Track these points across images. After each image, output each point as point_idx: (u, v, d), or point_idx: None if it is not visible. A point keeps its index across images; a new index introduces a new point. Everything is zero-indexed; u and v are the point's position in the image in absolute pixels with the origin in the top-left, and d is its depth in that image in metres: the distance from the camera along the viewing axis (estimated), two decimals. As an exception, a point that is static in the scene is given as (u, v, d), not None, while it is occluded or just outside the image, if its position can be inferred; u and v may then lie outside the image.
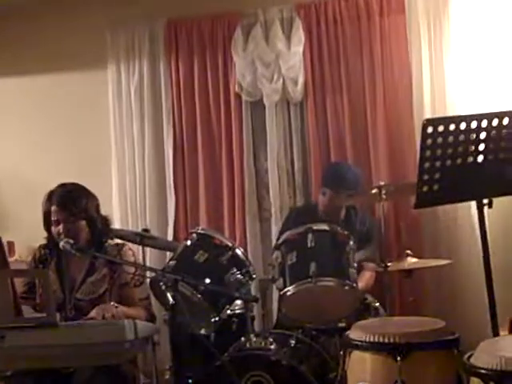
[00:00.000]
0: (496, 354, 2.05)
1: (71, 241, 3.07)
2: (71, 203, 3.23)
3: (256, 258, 4.42)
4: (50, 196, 3.28)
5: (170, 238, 4.66)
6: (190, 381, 3.30)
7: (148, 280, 3.21)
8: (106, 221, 3.38)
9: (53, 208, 3.24)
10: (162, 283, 2.81)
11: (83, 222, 3.26)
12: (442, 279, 4.22)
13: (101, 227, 3.33)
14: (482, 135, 2.79)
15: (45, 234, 3.35)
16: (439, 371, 2.47)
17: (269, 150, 4.66)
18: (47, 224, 3.29)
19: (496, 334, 2.72)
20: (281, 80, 4.58)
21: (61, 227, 3.21)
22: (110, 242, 3.39)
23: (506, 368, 1.98)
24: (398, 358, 2.42)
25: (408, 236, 4.04)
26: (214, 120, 4.74)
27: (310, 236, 3.24)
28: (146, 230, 3.66)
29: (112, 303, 3.13)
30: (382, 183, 3.58)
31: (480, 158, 2.83)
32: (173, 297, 2.84)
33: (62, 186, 3.32)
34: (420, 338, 2.50)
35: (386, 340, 2.49)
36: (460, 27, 4.30)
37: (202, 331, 3.28)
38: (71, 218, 3.22)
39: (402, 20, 4.40)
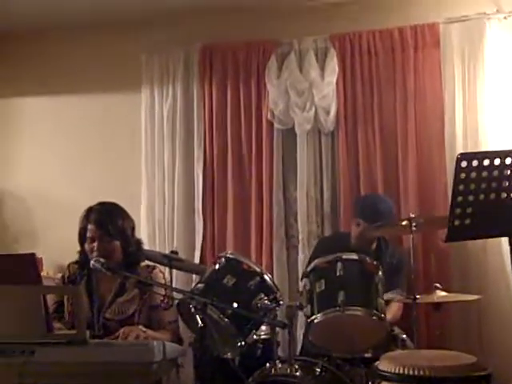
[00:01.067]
0: (529, 390, 2.04)
1: (102, 260, 3.08)
2: (108, 222, 3.27)
3: (282, 286, 4.40)
4: (89, 212, 3.32)
5: (196, 261, 4.67)
6: (213, 404, 3.28)
7: (176, 302, 3.22)
8: (139, 244, 3.41)
9: (89, 226, 3.28)
10: (191, 306, 2.82)
11: (117, 243, 3.28)
12: (470, 314, 4.20)
13: (134, 250, 3.35)
14: (516, 171, 2.79)
15: (73, 253, 3.39)
16: (469, 406, 2.45)
17: (298, 179, 4.68)
18: (81, 240, 3.32)
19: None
20: (313, 109, 4.61)
21: (95, 245, 3.24)
22: (141, 263, 3.41)
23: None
24: (428, 392, 2.40)
25: (436, 269, 4.02)
26: (244, 146, 4.78)
27: (339, 265, 3.23)
28: (174, 252, 3.69)
29: (140, 326, 3.13)
30: (413, 215, 3.57)
31: (513, 195, 2.83)
32: (201, 319, 2.84)
33: (101, 204, 3.36)
34: (451, 372, 2.48)
35: (416, 373, 2.47)
36: (494, 63, 4.31)
37: (228, 355, 3.27)
38: (107, 237, 3.25)
39: (436, 54, 4.42)
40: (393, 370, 2.54)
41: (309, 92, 4.62)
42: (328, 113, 4.58)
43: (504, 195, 2.82)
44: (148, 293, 3.27)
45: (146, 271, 3.35)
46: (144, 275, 3.31)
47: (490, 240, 4.03)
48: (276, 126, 4.70)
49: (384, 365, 2.61)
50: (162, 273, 3.40)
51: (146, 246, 4.44)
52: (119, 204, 3.41)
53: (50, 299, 3.31)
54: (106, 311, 3.26)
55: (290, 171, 4.79)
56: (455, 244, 4.13)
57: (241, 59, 4.80)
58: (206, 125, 4.84)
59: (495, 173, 2.77)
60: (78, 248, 3.37)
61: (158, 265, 3.45)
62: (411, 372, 2.48)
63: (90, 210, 3.33)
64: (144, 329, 3.12)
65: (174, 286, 3.96)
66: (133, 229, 3.40)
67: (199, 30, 4.91)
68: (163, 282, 3.37)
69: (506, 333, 3.95)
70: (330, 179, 4.67)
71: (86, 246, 3.29)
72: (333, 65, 4.57)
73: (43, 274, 4.78)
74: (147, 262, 3.44)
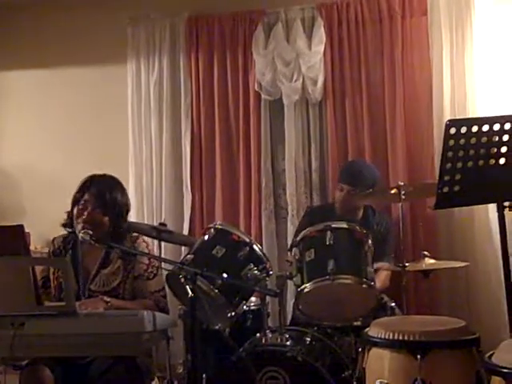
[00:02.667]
0: (518, 353, 2.06)
1: (90, 232, 3.04)
2: (107, 196, 3.23)
3: (271, 256, 4.39)
4: (89, 181, 3.28)
5: (185, 233, 4.67)
6: (204, 376, 3.29)
7: (165, 273, 3.21)
8: (128, 227, 3.37)
9: (87, 194, 3.23)
10: (181, 276, 2.81)
11: (107, 219, 3.24)
12: (458, 280, 4.23)
13: (122, 231, 3.32)
14: (505, 137, 2.79)
15: (61, 227, 3.35)
16: (459, 370, 2.48)
17: (286, 149, 4.67)
18: (74, 205, 3.27)
19: (514, 335, 2.73)
20: (300, 79, 4.58)
21: (86, 213, 3.19)
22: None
23: (529, 367, 1.99)
24: (418, 356, 2.42)
25: (424, 237, 4.04)
26: (232, 117, 4.76)
27: (328, 234, 3.23)
28: (162, 224, 3.67)
29: (104, 297, 3.09)
30: (402, 183, 3.58)
31: (502, 161, 2.83)
32: (191, 290, 2.84)
33: (103, 176, 3.33)
34: (441, 336, 2.51)
35: (406, 338, 2.50)
36: (482, 30, 4.29)
37: (218, 326, 3.28)
38: (100, 209, 3.21)
39: (424, 22, 4.40)
40: (383, 336, 2.56)
41: (296, 62, 4.59)
42: (315, 83, 4.55)
43: (492, 161, 2.83)
44: (132, 263, 3.25)
45: (129, 241, 3.32)
46: (128, 245, 3.28)
47: (477, 207, 4.06)
48: (263, 96, 4.67)
49: (374, 331, 2.63)
50: (146, 242, 3.36)
51: (134, 219, 4.50)
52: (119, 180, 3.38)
53: (37, 274, 3.30)
54: (91, 283, 3.23)
55: (278, 142, 4.78)
56: (443, 212, 4.16)
57: (227, 30, 4.75)
58: (193, 96, 4.81)
59: (484, 139, 2.77)
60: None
61: (141, 235, 3.42)
62: (401, 337, 2.51)
63: (91, 179, 3.29)
64: (108, 299, 3.07)
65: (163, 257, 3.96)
66: (127, 212, 3.36)
67: (185, 0, 4.86)
68: (147, 251, 3.34)
69: (493, 298, 3.98)
70: (318, 149, 4.66)
71: (75, 210, 3.24)
72: (320, 34, 4.53)
73: (31, 248, 4.76)
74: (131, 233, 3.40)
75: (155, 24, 4.90)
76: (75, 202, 3.27)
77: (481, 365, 2.41)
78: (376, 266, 3.44)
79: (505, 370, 2.04)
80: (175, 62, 4.87)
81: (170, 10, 4.88)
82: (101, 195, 3.23)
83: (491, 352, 2.20)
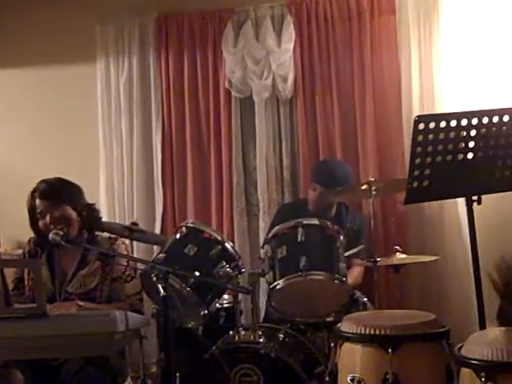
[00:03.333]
0: (486, 345, 2.09)
1: (61, 232, 3.02)
2: (53, 193, 3.20)
3: (243, 253, 4.42)
4: (33, 192, 3.24)
5: (157, 232, 4.65)
6: (178, 374, 3.28)
7: (139, 273, 3.20)
8: (93, 208, 3.33)
9: (37, 202, 3.19)
10: (153, 275, 2.80)
11: (70, 209, 3.21)
12: (428, 274, 4.27)
13: (88, 212, 3.29)
14: (472, 133, 2.83)
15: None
16: (429, 363, 2.49)
17: (257, 147, 4.67)
18: (33, 221, 3.22)
19: (483, 327, 2.77)
20: (271, 77, 4.59)
21: (47, 218, 3.16)
22: (102, 235, 3.36)
23: (497, 359, 2.01)
24: (389, 350, 2.43)
25: (395, 232, 4.08)
26: (203, 116, 4.75)
27: (300, 230, 3.24)
28: (134, 224, 3.66)
29: (77, 301, 3.07)
30: (372, 179, 3.60)
31: (470, 155, 2.87)
32: (164, 288, 2.83)
33: (43, 181, 3.27)
34: (411, 330, 2.53)
35: (378, 332, 2.51)
36: (449, 28, 4.34)
37: (191, 325, 3.28)
38: (56, 205, 3.16)
39: (392, 20, 4.43)
40: (354, 331, 2.57)
41: (266, 60, 4.60)
42: (286, 80, 4.57)
43: (461, 156, 2.86)
44: (110, 265, 3.23)
45: (107, 243, 3.30)
46: (106, 247, 3.27)
47: (447, 202, 4.11)
48: (234, 94, 4.67)
49: (346, 326, 2.64)
50: (125, 244, 3.35)
51: (106, 219, 4.46)
52: (64, 177, 3.34)
53: (11, 275, 3.26)
54: (68, 285, 3.20)
55: (248, 140, 4.78)
56: (413, 207, 4.20)
57: (197, 28, 4.74)
58: (164, 95, 4.80)
59: (452, 134, 2.80)
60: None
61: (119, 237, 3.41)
62: (372, 331, 2.52)
63: (34, 190, 3.25)
64: (81, 303, 3.06)
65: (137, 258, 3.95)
66: (81, 193, 3.31)
67: (154, -1, 4.86)
68: (125, 253, 3.32)
69: (463, 291, 4.03)
70: (289, 147, 4.67)
71: (41, 223, 3.20)
72: (289, 32, 4.55)
73: (1, 250, 4.71)
74: (109, 234, 3.39)
75: (124, 23, 4.87)
76: (31, 217, 3.23)
77: (451, 357, 2.43)
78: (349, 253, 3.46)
79: (474, 362, 2.07)
80: (145, 60, 4.85)
81: (140, 9, 4.85)
82: (47, 194, 3.19)
83: (460, 344, 2.23)
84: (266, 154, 4.65)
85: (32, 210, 3.22)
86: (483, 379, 2.01)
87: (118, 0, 4.90)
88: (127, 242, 3.45)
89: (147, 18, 4.82)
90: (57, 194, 3.21)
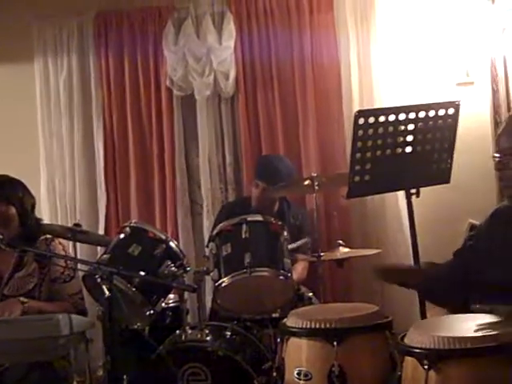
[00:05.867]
0: (428, 333, 2.13)
1: (0, 236, 2.98)
2: (5, 188, 3.16)
3: (188, 252, 4.39)
4: None
5: (101, 233, 4.60)
6: (125, 377, 3.26)
7: (81, 274, 3.16)
8: (38, 221, 3.31)
9: None
10: (97, 276, 2.77)
11: (14, 211, 3.16)
12: (371, 267, 4.32)
13: (32, 224, 3.24)
14: (410, 127, 2.89)
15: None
16: (374, 354, 2.53)
17: (200, 145, 4.66)
18: None
19: (424, 316, 2.84)
20: (212, 74, 4.58)
21: None
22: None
23: (439, 346, 2.06)
24: (335, 343, 2.46)
25: (338, 226, 4.13)
26: (144, 115, 4.71)
27: (244, 227, 3.25)
28: (77, 225, 3.60)
29: (21, 298, 3.04)
30: (315, 174, 3.63)
31: (408, 149, 2.93)
32: (108, 290, 2.80)
33: None
34: (355, 322, 2.56)
35: (322, 326, 2.54)
36: (385, 24, 4.42)
37: (137, 325, 3.26)
38: (3, 202, 3.13)
39: (330, 17, 4.47)
40: (300, 325, 2.59)
41: (207, 57, 4.58)
42: (227, 77, 4.57)
43: (399, 150, 2.92)
44: (48, 266, 3.18)
45: (44, 243, 3.26)
46: (43, 248, 3.22)
47: (388, 195, 4.17)
48: (175, 92, 4.64)
49: (292, 321, 2.66)
50: (62, 244, 3.32)
51: (48, 221, 4.39)
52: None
53: None
54: (5, 288, 3.16)
55: (191, 138, 4.76)
56: (355, 201, 4.25)
57: (136, 26, 4.69)
58: (105, 95, 4.73)
59: (390, 128, 2.87)
60: None
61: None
62: (317, 325, 2.54)
63: None
64: (25, 300, 3.03)
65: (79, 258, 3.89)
66: (32, 206, 3.29)
67: (91, -2, 4.79)
68: (63, 253, 3.28)
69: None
70: (232, 144, 4.68)
71: None
72: (230, 29, 4.54)
73: None
74: (46, 235, 3.34)
75: (62, 22, 4.77)
76: None
77: (394, 347, 2.49)
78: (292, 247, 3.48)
79: (416, 350, 2.11)
80: (84, 60, 4.77)
81: (78, 7, 4.76)
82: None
83: (403, 334, 2.28)
84: (209, 152, 4.64)
85: None
86: (426, 367, 2.05)
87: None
88: (64, 241, 3.39)
89: (85, 17, 4.73)
90: (8, 190, 3.18)
